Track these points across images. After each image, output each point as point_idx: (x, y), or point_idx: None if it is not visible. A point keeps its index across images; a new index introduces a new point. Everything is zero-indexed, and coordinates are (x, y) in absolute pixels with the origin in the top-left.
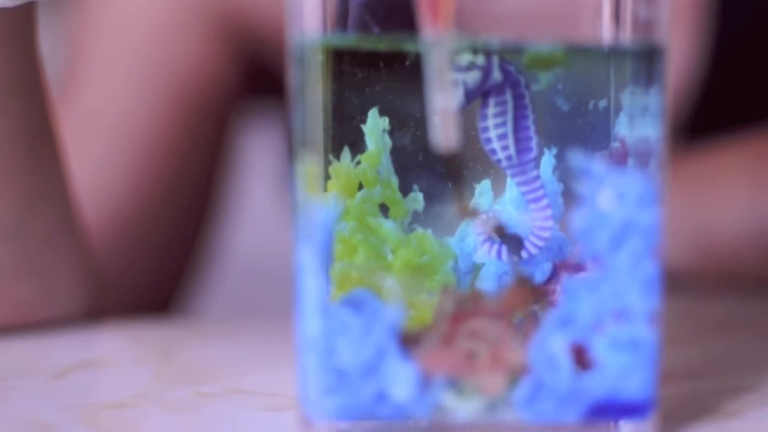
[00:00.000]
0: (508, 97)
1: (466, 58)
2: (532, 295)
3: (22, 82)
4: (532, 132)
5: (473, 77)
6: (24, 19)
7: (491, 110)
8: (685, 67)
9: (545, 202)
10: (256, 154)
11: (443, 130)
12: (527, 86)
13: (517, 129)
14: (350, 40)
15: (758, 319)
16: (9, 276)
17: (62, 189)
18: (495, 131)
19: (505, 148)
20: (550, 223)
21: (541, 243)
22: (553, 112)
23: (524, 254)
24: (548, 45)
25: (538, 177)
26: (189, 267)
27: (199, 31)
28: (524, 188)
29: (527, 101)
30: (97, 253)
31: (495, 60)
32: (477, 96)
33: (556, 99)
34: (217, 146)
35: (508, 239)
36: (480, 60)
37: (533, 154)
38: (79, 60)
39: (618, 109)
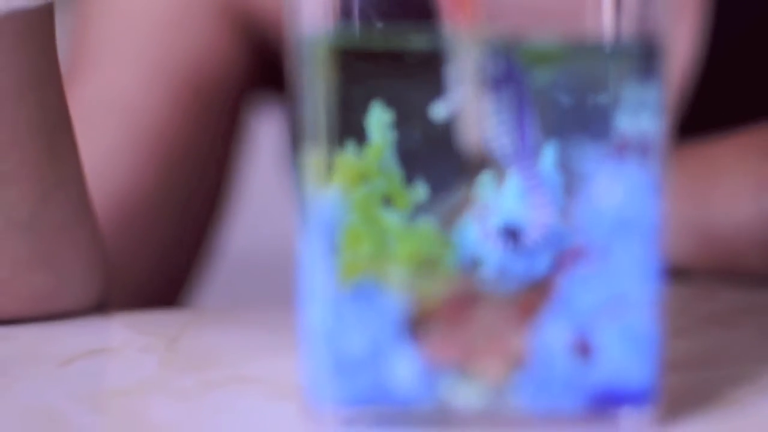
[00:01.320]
0: (508, 90)
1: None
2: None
3: (42, 77)
4: (531, 124)
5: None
6: (45, 17)
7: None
8: (684, 63)
9: (544, 193)
10: (261, 145)
11: (470, 127)
12: (526, 79)
13: (516, 121)
14: (354, 32)
15: (759, 310)
16: (23, 267)
17: (77, 181)
18: (494, 123)
19: (504, 140)
20: (549, 215)
21: (539, 236)
22: (553, 106)
23: (523, 245)
24: (548, 40)
25: (537, 169)
26: (196, 257)
27: (206, 21)
28: (523, 180)
29: (526, 94)
30: (106, 243)
31: (495, 53)
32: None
33: (556, 93)
34: (224, 136)
35: (507, 231)
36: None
37: (532, 146)
38: (85, 49)
39: (618, 104)
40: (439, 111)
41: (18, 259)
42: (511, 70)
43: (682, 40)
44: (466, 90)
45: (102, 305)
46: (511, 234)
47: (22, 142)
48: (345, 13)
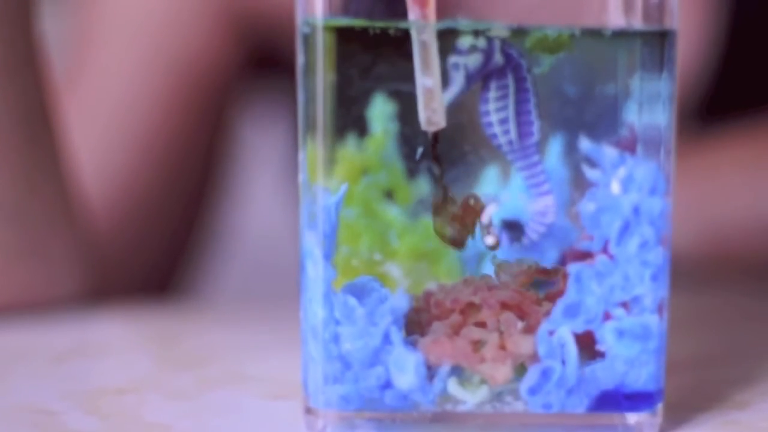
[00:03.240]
0: (510, 80)
1: (467, 41)
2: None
3: (20, 62)
4: (534, 116)
5: (474, 60)
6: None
7: (492, 94)
8: (696, 50)
9: (546, 187)
10: (264, 140)
11: (428, 108)
12: (529, 70)
13: (518, 113)
14: (357, 21)
15: (766, 309)
16: (9, 257)
17: (61, 169)
18: (496, 115)
19: (506, 132)
20: (551, 209)
21: (542, 229)
22: (560, 98)
23: (525, 240)
24: (554, 28)
25: (539, 162)
26: (190, 246)
27: (202, 12)
28: (525, 173)
29: (529, 85)
30: (103, 231)
31: (497, 43)
32: (478, 80)
33: (562, 84)
34: (219, 125)
35: (509, 225)
36: (481, 43)
37: (535, 138)
38: (85, 42)
39: (626, 95)
40: None
41: (5, 249)
42: (512, 60)
43: (692, 27)
44: (424, 70)
45: (95, 294)
46: (512, 228)
47: (3, 132)
48: (348, 4)
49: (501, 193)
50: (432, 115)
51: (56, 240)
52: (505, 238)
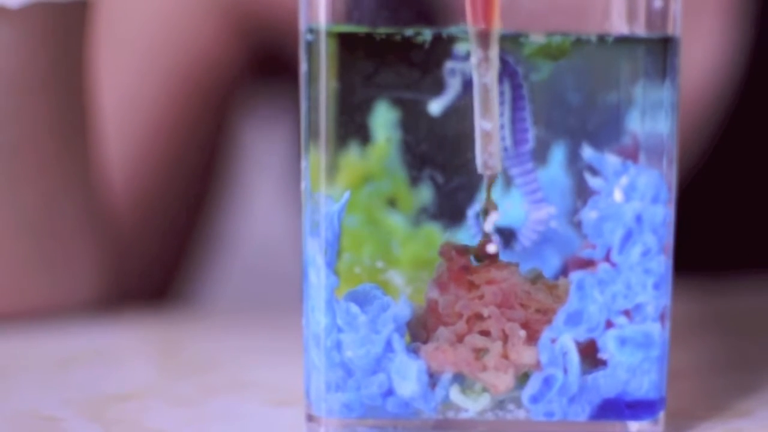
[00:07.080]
0: (506, 87)
1: (463, 48)
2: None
3: (67, 77)
4: (529, 123)
5: (471, 67)
6: (73, 17)
7: None
8: (720, 60)
9: (540, 194)
10: (265, 145)
11: (485, 152)
12: (525, 77)
13: (514, 120)
14: (360, 28)
15: None
16: (32, 266)
17: (91, 181)
18: None
19: (501, 139)
20: (545, 216)
21: (534, 236)
22: (562, 105)
23: (517, 247)
24: (556, 35)
25: (533, 169)
26: (190, 250)
27: (206, 13)
28: (520, 180)
29: (525, 92)
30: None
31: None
32: None
33: (565, 91)
34: (220, 127)
35: (501, 231)
36: None
37: (530, 145)
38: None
39: (629, 103)
40: (433, 107)
41: (29, 257)
42: (508, 67)
43: (701, 46)
44: (483, 114)
45: (109, 302)
46: (504, 234)
47: (40, 143)
48: (353, 9)
49: (503, 200)
50: (489, 159)
51: (80, 248)
52: (499, 244)
